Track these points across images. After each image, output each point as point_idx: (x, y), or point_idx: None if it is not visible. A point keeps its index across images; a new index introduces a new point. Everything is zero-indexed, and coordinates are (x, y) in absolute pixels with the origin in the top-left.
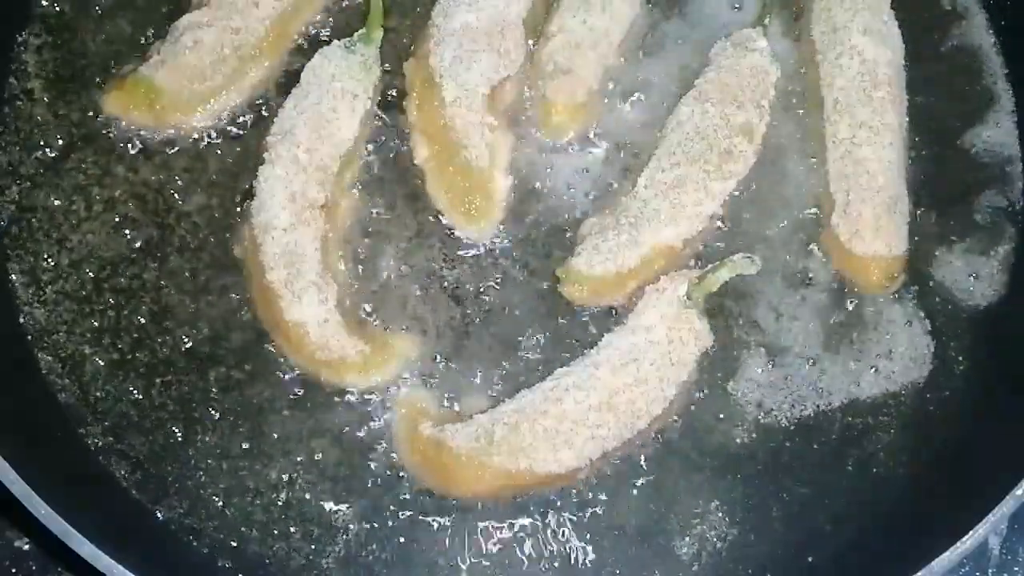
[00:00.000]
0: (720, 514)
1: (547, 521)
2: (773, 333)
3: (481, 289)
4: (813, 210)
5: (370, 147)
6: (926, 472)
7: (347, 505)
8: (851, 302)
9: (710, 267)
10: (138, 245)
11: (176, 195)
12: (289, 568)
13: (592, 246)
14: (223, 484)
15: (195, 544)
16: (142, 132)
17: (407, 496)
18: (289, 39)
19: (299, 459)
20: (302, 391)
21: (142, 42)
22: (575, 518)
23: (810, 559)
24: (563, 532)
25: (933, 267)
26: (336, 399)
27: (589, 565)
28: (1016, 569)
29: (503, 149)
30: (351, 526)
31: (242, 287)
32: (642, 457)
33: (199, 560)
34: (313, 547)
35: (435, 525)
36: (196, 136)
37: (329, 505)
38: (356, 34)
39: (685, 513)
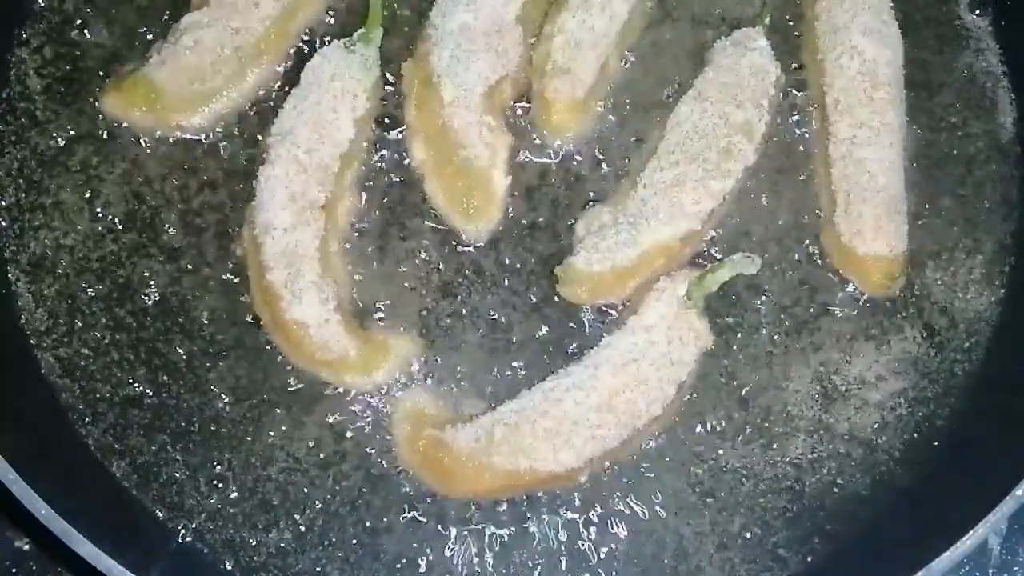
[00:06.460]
0: (720, 513)
1: (547, 521)
2: (772, 333)
3: (480, 289)
4: (813, 210)
5: (370, 147)
6: (926, 472)
7: (348, 506)
8: (851, 302)
9: (710, 267)
10: (138, 245)
11: (176, 195)
12: (289, 567)
13: (591, 245)
14: (223, 484)
15: (196, 544)
16: (142, 132)
17: (407, 496)
18: (289, 39)
19: (299, 459)
20: (302, 391)
21: (142, 42)
22: (575, 518)
23: (810, 559)
24: (563, 532)
25: (933, 268)
26: (336, 399)
27: (589, 565)
28: (1016, 569)
29: (501, 149)
30: (352, 526)
31: (242, 287)
32: (642, 457)
33: (199, 560)
34: (313, 547)
35: (436, 525)
36: (196, 136)
37: (329, 505)
38: (356, 34)
39: (685, 512)
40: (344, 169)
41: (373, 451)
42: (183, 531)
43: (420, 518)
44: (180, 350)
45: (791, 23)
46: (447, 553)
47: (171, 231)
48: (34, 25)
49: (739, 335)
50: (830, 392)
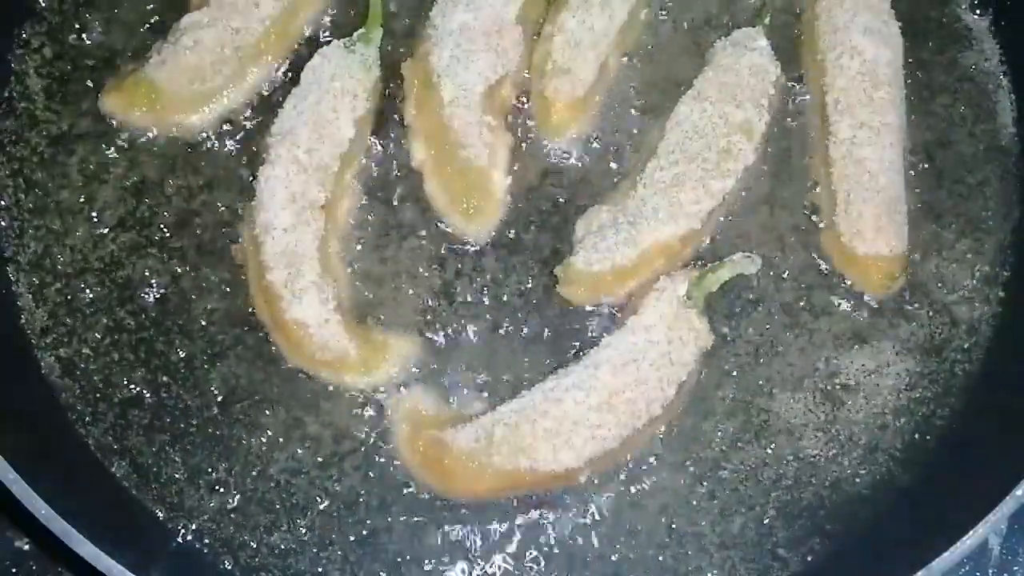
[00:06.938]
0: (720, 513)
1: (547, 521)
2: (772, 332)
3: (480, 289)
4: (813, 210)
5: (370, 147)
6: (926, 472)
7: (348, 506)
8: (850, 302)
9: (710, 266)
10: (138, 245)
11: (176, 195)
12: (289, 568)
13: (591, 244)
14: (223, 484)
15: (195, 544)
16: (142, 132)
17: (407, 497)
18: (289, 39)
19: (299, 460)
20: (302, 391)
21: (142, 42)
22: (575, 518)
23: (810, 559)
24: (563, 532)
25: (933, 267)
26: (336, 399)
27: (589, 565)
28: (1016, 569)
29: (501, 148)
30: (352, 527)
31: (242, 287)
32: (642, 457)
33: (199, 560)
34: (313, 547)
35: (436, 526)
36: (196, 136)
37: (330, 505)
38: (356, 34)
39: (684, 512)
40: (344, 169)
41: (373, 451)
42: (183, 531)
43: (420, 518)
44: (180, 350)
45: (791, 23)
46: (447, 553)
47: (171, 231)
48: (34, 25)
49: (739, 335)
50: (830, 392)
